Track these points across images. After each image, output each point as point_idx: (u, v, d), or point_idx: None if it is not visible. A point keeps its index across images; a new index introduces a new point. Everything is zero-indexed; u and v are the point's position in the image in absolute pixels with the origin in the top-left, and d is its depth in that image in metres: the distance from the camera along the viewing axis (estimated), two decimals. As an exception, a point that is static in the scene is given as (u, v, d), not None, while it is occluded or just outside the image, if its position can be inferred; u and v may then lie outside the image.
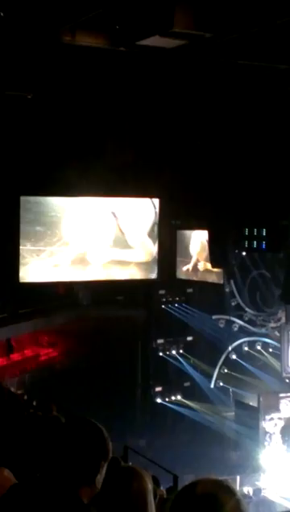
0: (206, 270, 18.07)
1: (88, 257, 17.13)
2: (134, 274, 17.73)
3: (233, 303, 18.46)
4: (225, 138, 15.18)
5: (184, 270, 18.56)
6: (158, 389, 19.14)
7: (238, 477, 15.75)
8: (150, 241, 17.70)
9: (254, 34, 9.75)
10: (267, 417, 16.72)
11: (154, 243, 17.73)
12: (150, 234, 17.70)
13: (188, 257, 18.45)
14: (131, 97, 14.10)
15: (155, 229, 17.67)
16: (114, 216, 17.27)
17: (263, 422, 16.74)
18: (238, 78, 12.63)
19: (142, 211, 17.60)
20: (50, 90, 13.36)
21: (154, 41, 9.57)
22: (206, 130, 15.27)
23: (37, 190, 16.25)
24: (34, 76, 12.47)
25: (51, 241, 16.66)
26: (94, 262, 17.21)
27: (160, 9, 8.89)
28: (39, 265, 16.62)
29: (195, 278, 18.53)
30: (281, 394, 17.19)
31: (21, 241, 16.31)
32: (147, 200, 17.52)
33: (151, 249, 17.72)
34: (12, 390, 12.44)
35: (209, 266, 17.69)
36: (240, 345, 18.80)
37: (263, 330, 18.53)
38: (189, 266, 18.45)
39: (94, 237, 17.16)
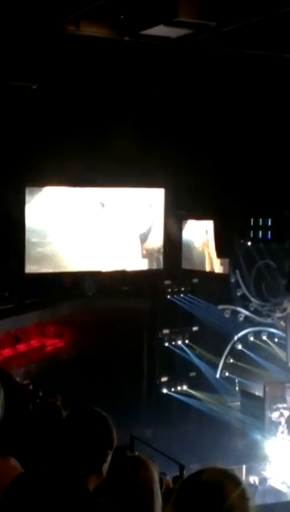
0: (212, 260, 18.06)
1: (93, 248, 17.13)
2: (140, 264, 17.74)
3: (238, 294, 18.45)
4: (230, 128, 15.14)
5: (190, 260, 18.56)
6: (164, 379, 19.17)
7: (244, 467, 15.79)
8: (156, 231, 17.69)
9: (259, 23, 9.72)
10: (273, 407, 16.74)
11: (159, 233, 17.71)
12: (155, 224, 17.69)
13: (193, 246, 18.45)
14: (136, 86, 14.08)
15: (161, 219, 17.66)
16: (120, 205, 17.26)
17: (269, 412, 16.76)
18: (243, 67, 12.59)
19: (148, 201, 17.59)
20: (55, 80, 13.33)
21: (158, 30, 9.55)
22: (211, 120, 15.22)
23: (42, 180, 16.24)
24: (39, 67, 12.45)
25: (57, 231, 16.68)
26: (100, 253, 17.22)
27: (165, -2, 8.87)
28: (45, 256, 16.63)
29: (200, 268, 18.52)
30: (287, 384, 17.20)
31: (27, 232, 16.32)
32: (153, 189, 17.51)
33: (157, 239, 17.71)
34: (18, 380, 12.48)
35: (214, 256, 17.69)
36: (246, 335, 18.80)
37: (269, 320, 18.53)
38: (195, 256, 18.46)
39: (100, 228, 17.16)
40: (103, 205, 17.17)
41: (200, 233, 18.01)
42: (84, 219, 16.99)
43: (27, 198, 16.27)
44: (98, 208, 17.12)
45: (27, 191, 16.25)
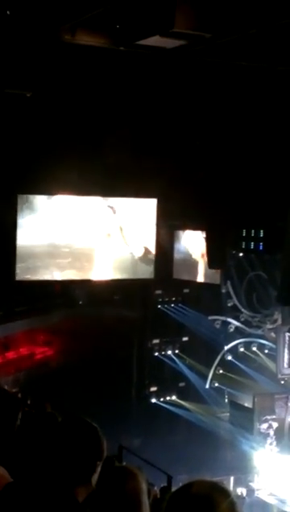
0: (203, 271, 18.07)
1: (84, 256, 17.12)
2: (132, 273, 17.72)
3: (229, 304, 18.47)
4: (224, 139, 15.19)
5: (181, 270, 18.55)
6: (153, 389, 19.16)
7: (231, 478, 15.80)
8: (147, 241, 17.69)
9: (254, 35, 9.77)
10: (262, 418, 16.75)
11: (151, 243, 17.71)
12: (147, 234, 17.69)
13: (185, 256, 18.45)
14: (130, 96, 14.10)
15: (153, 229, 17.66)
16: (113, 214, 17.26)
17: (258, 423, 16.77)
18: (237, 79, 12.64)
19: (140, 211, 17.60)
20: (49, 89, 13.34)
21: (154, 41, 9.56)
22: (205, 131, 15.27)
23: (35, 188, 16.23)
24: (33, 75, 12.45)
25: (48, 239, 16.66)
26: (91, 261, 17.21)
27: (161, 9, 8.90)
28: (35, 262, 16.60)
29: (192, 279, 18.53)
30: (276, 396, 17.23)
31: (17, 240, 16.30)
32: (145, 200, 17.53)
33: (148, 248, 17.71)
34: (6, 388, 12.43)
35: (205, 266, 17.70)
36: (236, 346, 18.82)
37: (259, 331, 18.56)
38: (186, 266, 18.46)
39: (91, 236, 17.15)
40: (95, 214, 17.16)
41: (198, 243, 17.98)
42: (76, 227, 16.97)
43: (19, 206, 16.25)
44: (90, 216, 17.11)
45: (19, 198, 16.23)
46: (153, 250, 17.74)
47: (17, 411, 4.38)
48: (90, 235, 17.13)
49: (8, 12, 9.24)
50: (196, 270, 18.31)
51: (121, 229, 17.44)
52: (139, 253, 17.70)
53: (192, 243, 18.22)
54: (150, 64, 11.81)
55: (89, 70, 12.67)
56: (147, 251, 17.72)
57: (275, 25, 9.26)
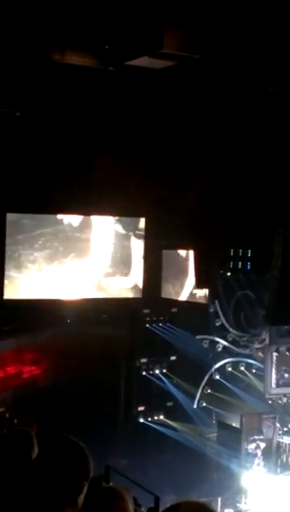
0: (191, 290, 18.08)
1: (72, 275, 17.11)
2: (119, 292, 17.72)
3: (217, 324, 18.46)
4: (212, 160, 15.25)
5: (169, 289, 18.56)
6: (140, 408, 19.08)
7: (219, 499, 15.72)
8: (135, 260, 17.71)
9: (244, 56, 9.84)
10: (250, 438, 16.72)
11: (139, 262, 17.72)
12: (135, 253, 17.71)
13: (173, 276, 18.46)
14: (119, 116, 14.16)
15: (141, 248, 17.68)
16: (100, 232, 17.29)
17: (246, 443, 16.73)
18: (227, 100, 12.71)
19: (128, 229, 17.62)
20: (39, 108, 13.39)
21: (143, 61, 9.62)
22: (193, 151, 15.33)
23: (23, 207, 16.24)
24: (23, 94, 12.49)
25: (37, 259, 16.66)
26: (79, 281, 17.20)
27: (150, 30, 8.96)
28: (23, 282, 16.58)
29: (180, 298, 18.53)
30: (264, 416, 17.20)
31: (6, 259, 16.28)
32: (133, 219, 17.57)
33: (136, 268, 17.72)
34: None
35: (193, 285, 17.71)
36: (224, 366, 18.80)
37: (247, 351, 18.55)
38: (174, 286, 18.47)
39: (80, 255, 17.15)
40: (83, 233, 17.17)
41: (185, 263, 17.99)
42: (64, 246, 16.97)
43: (8, 224, 16.24)
44: (79, 235, 17.12)
45: (8, 217, 16.22)
46: (141, 269, 17.75)
47: (1, 429, 4.36)
48: (77, 253, 17.12)
49: None
50: (184, 290, 18.31)
51: (108, 248, 17.45)
52: (127, 272, 17.70)
53: (180, 262, 18.24)
54: (139, 84, 11.88)
55: (78, 90, 12.72)
56: (135, 270, 17.73)
57: (265, 46, 9.34)
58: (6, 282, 16.34)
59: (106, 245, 17.42)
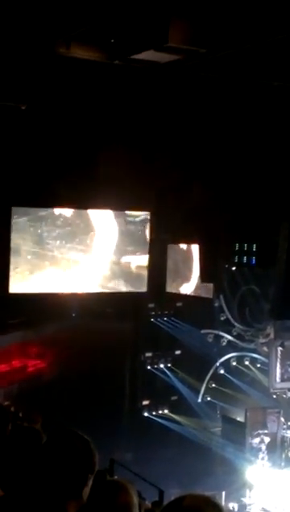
0: (196, 285, 18.06)
1: (77, 269, 17.11)
2: (124, 286, 17.72)
3: (222, 318, 18.45)
4: (218, 153, 15.23)
5: (175, 283, 18.55)
6: (145, 402, 19.10)
7: (223, 493, 15.71)
8: (140, 254, 17.70)
9: (249, 50, 9.82)
10: (254, 433, 16.70)
11: (144, 256, 17.71)
12: (140, 247, 17.70)
13: (178, 270, 18.45)
14: (125, 109, 14.15)
15: (146, 242, 17.67)
16: (106, 226, 17.28)
17: (250, 437, 16.72)
18: (232, 94, 12.70)
19: (133, 224, 17.62)
20: (44, 101, 13.38)
21: (148, 55, 9.62)
22: (198, 145, 15.31)
23: (28, 201, 16.24)
24: (28, 87, 12.49)
25: (42, 252, 16.67)
26: (84, 275, 17.20)
27: (155, 24, 8.95)
28: (29, 276, 16.59)
29: (184, 292, 18.52)
30: (268, 410, 17.18)
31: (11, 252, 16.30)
32: (139, 213, 17.56)
33: (141, 262, 17.71)
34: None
35: (198, 280, 17.70)
36: (228, 360, 18.78)
37: (252, 345, 18.53)
38: (179, 280, 18.46)
39: (85, 249, 17.15)
40: (89, 227, 17.17)
41: (190, 257, 17.97)
42: (70, 240, 16.97)
43: (13, 218, 16.25)
44: (84, 229, 17.12)
45: (13, 211, 16.23)
46: (146, 264, 17.75)
47: (6, 423, 4.37)
48: (83, 247, 17.13)
49: None
50: (188, 284, 18.31)
51: (113, 242, 17.45)
52: (133, 266, 17.70)
53: (185, 257, 18.23)
54: (144, 78, 11.86)
55: (83, 83, 12.72)
56: (140, 264, 17.73)
57: (270, 40, 9.32)
58: (11, 275, 16.36)
59: (111, 238, 17.41)
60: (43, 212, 16.74)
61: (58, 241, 16.87)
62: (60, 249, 16.89)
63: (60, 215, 16.93)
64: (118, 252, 17.60)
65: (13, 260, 16.38)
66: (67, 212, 16.94)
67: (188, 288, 18.30)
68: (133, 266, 17.74)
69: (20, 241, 16.48)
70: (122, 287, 17.75)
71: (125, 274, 17.74)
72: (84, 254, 17.16)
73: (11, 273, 16.33)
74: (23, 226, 16.48)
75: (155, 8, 8.92)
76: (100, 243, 17.30)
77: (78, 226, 17.07)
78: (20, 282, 16.56)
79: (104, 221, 17.33)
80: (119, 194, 16.44)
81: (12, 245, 16.27)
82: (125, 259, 17.65)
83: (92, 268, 17.28)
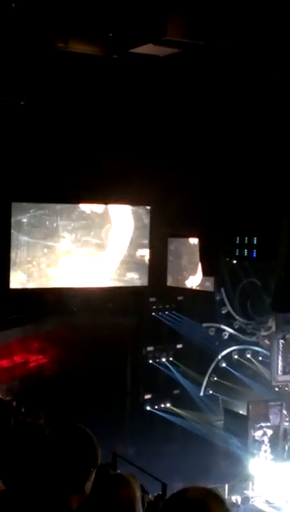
0: (197, 278, 18.07)
1: (78, 264, 17.13)
2: (125, 281, 17.74)
3: (223, 312, 18.45)
4: (218, 147, 15.21)
5: (180, 277, 18.56)
6: (147, 396, 19.12)
7: (226, 486, 15.74)
8: (141, 248, 17.72)
9: (247, 43, 9.80)
10: (257, 425, 16.73)
11: (145, 250, 17.74)
12: (141, 241, 17.72)
13: (179, 264, 18.46)
14: (124, 103, 14.13)
15: (146, 236, 17.69)
16: (106, 220, 17.29)
17: (252, 430, 16.75)
18: (232, 87, 12.67)
19: (133, 218, 17.63)
20: (43, 96, 13.37)
21: (147, 49, 9.61)
22: (198, 138, 15.29)
23: (29, 196, 16.24)
24: (27, 82, 12.47)
25: (42, 247, 16.69)
26: (85, 269, 17.21)
27: (154, 17, 8.94)
28: (30, 271, 16.61)
29: (186, 286, 18.52)
30: (270, 403, 17.21)
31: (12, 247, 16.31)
32: (139, 207, 17.57)
33: (142, 256, 17.73)
34: (0, 396, 12.41)
35: (199, 273, 17.70)
36: (230, 353, 18.79)
37: (253, 338, 18.54)
38: (180, 274, 18.47)
39: (86, 244, 17.16)
40: (89, 221, 17.17)
41: (191, 251, 17.97)
42: (70, 235, 16.99)
43: (13, 213, 16.25)
44: (84, 224, 17.12)
45: (13, 206, 16.23)
46: (147, 258, 17.76)
47: (9, 418, 4.38)
48: (83, 242, 17.14)
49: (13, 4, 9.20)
50: (190, 278, 18.31)
51: (114, 236, 17.45)
52: (133, 260, 17.72)
53: (186, 250, 18.22)
54: (143, 71, 11.85)
55: (82, 78, 12.70)
56: (140, 258, 17.74)
57: (269, 33, 9.30)
58: (12, 271, 16.37)
59: (114, 234, 17.42)
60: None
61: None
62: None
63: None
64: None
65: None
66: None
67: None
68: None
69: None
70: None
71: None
72: (99, 248, 17.21)
73: (12, 268, 16.34)
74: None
75: (154, 1, 8.91)
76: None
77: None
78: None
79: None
80: (120, 188, 16.44)
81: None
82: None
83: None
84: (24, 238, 16.42)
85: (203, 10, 8.97)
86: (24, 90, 12.73)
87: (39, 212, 16.58)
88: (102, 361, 17.43)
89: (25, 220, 16.41)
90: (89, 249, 17.18)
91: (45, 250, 16.69)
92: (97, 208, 17.20)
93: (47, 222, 16.66)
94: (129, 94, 13.67)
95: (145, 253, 17.80)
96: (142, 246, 17.77)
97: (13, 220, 16.23)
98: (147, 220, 17.67)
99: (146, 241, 17.77)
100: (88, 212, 17.12)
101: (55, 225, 16.73)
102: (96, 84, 13.08)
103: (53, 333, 17.73)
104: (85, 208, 17.09)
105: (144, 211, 17.72)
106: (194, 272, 18.10)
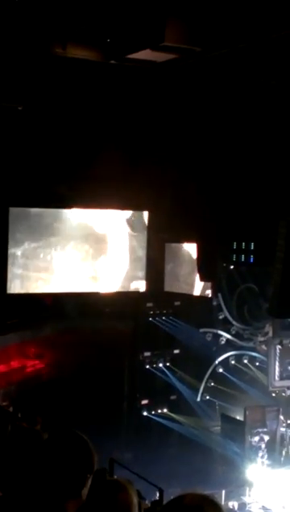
0: (194, 284, 18.06)
1: (76, 269, 17.11)
2: (122, 286, 17.72)
3: (220, 317, 18.47)
4: (215, 152, 15.23)
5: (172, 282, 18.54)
6: (144, 402, 19.10)
7: (223, 492, 15.74)
8: (138, 254, 17.70)
9: (245, 49, 9.82)
10: (253, 431, 16.75)
11: (142, 255, 17.72)
12: (138, 247, 17.70)
13: (176, 269, 18.44)
14: (121, 109, 14.15)
15: (144, 241, 17.67)
16: (104, 226, 17.28)
17: (249, 436, 16.76)
18: (229, 93, 12.70)
19: (130, 223, 17.62)
20: (41, 102, 13.38)
21: (144, 55, 9.62)
22: (195, 144, 15.31)
23: (26, 201, 16.22)
24: (24, 88, 12.49)
25: (40, 252, 16.67)
26: (82, 275, 17.19)
27: (151, 23, 8.95)
28: (27, 276, 16.58)
29: (183, 292, 18.50)
30: (267, 408, 17.23)
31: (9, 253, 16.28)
32: (136, 212, 17.56)
33: (139, 261, 17.71)
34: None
35: (196, 279, 17.69)
36: (227, 359, 18.81)
37: (251, 344, 18.56)
38: (177, 279, 18.45)
39: (83, 249, 17.15)
40: (87, 227, 17.16)
41: (188, 256, 17.98)
42: (68, 240, 16.97)
43: (11, 218, 16.23)
44: (82, 229, 17.11)
45: (11, 211, 16.21)
46: (144, 263, 17.75)
47: (5, 424, 4.37)
48: (81, 247, 17.12)
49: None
50: (187, 283, 18.30)
51: (111, 241, 17.44)
52: (130, 265, 17.70)
53: (183, 256, 18.22)
54: (141, 77, 11.87)
55: (79, 83, 12.71)
56: (137, 264, 17.73)
57: (267, 39, 9.32)
58: (9, 276, 16.34)
59: (110, 238, 17.42)
60: (43, 212, 16.74)
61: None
62: (59, 249, 16.90)
63: (60, 214, 16.94)
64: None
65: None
66: (65, 212, 16.95)
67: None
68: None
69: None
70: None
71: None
72: (84, 254, 17.16)
73: (9, 273, 16.31)
74: (23, 225, 16.49)
75: (151, 7, 8.93)
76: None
77: (76, 226, 17.07)
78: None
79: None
80: (117, 193, 16.43)
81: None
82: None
83: (91, 268, 17.28)
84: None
85: (200, 16, 8.99)
86: (22, 95, 12.74)
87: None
88: (99, 366, 17.41)
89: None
90: (86, 254, 17.15)
91: (41, 255, 16.66)
92: (90, 212, 17.12)
93: (49, 229, 16.63)
94: (126, 100, 13.68)
95: (142, 258, 17.74)
96: (139, 252, 17.74)
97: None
98: (144, 226, 17.65)
99: (143, 246, 17.73)
100: (86, 218, 17.07)
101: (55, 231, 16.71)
102: (93, 89, 13.09)
103: (50, 338, 17.71)
104: (84, 213, 17.02)
105: (141, 216, 17.70)
106: (193, 279, 18.11)
